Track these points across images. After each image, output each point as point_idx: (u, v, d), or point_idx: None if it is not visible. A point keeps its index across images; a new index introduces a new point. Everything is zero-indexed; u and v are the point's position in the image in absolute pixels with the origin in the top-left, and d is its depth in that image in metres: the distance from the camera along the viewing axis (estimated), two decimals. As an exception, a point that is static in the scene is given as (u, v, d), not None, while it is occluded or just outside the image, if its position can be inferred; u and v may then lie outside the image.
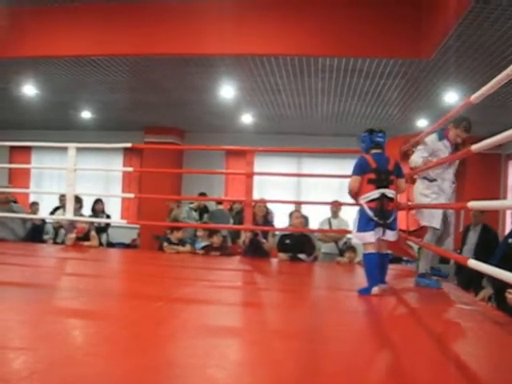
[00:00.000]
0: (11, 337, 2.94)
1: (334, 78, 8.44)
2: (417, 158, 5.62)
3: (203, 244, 7.79)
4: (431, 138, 5.56)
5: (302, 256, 7.11)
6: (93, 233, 8.01)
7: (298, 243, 7.20)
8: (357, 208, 5.03)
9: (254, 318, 3.75)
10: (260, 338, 3.12)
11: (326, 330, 3.43)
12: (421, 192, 5.62)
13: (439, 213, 5.40)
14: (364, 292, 4.75)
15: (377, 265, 4.80)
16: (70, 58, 8.11)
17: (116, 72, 8.72)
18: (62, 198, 8.46)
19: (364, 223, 4.79)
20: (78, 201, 8.10)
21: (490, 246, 6.90)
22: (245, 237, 7.45)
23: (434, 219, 5.38)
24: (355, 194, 4.96)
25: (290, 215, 7.55)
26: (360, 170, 4.91)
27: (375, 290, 4.71)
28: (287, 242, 7.23)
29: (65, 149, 7.63)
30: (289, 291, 5.11)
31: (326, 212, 8.47)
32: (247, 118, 12.06)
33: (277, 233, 7.93)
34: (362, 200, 4.83)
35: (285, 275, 6.41)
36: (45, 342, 2.83)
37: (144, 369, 2.41)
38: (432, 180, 5.55)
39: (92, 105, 11.76)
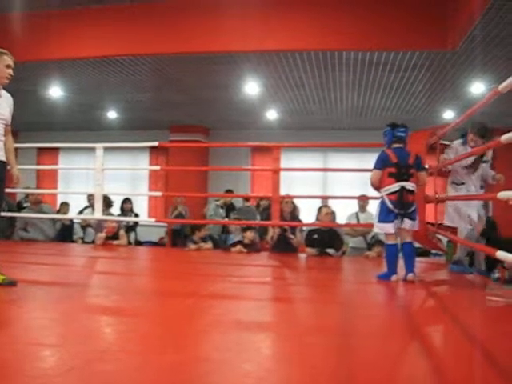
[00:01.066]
0: (47, 334, 2.99)
1: (359, 71, 8.40)
2: (442, 159, 6.04)
3: (236, 239, 7.79)
4: (456, 143, 5.85)
5: (330, 251, 7.10)
6: (122, 232, 8.09)
7: (327, 238, 7.19)
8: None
9: (285, 313, 3.76)
10: (291, 332, 3.12)
11: (356, 323, 3.43)
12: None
13: (466, 214, 5.72)
14: (383, 277, 5.10)
15: (396, 255, 5.11)
16: (95, 59, 8.19)
17: (140, 71, 8.78)
18: (91, 197, 8.55)
19: (384, 214, 5.04)
20: (108, 202, 8.19)
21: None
22: (273, 233, 7.45)
23: (462, 221, 5.74)
24: (377, 187, 5.17)
25: (319, 210, 7.53)
26: (381, 164, 5.11)
27: (394, 277, 5.05)
28: (315, 236, 7.22)
29: (91, 149, 7.72)
30: (318, 286, 5.11)
31: (353, 206, 8.43)
32: (272, 114, 12.06)
33: (304, 228, 7.91)
34: (383, 192, 5.05)
35: (314, 270, 6.41)
36: (79, 338, 2.86)
37: (178, 364, 2.43)
38: (460, 184, 5.86)
39: (117, 105, 11.86)
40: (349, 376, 2.34)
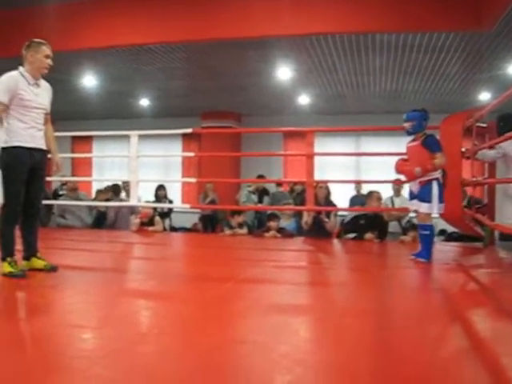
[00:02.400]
0: (88, 317, 3.05)
1: (392, 54, 8.30)
2: (489, 153, 6.18)
3: (285, 224, 7.82)
4: (507, 143, 5.71)
5: (367, 235, 7.06)
6: (157, 218, 8.18)
7: (372, 223, 7.14)
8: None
9: (321, 296, 3.77)
10: (328, 315, 3.13)
11: (394, 306, 3.43)
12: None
13: None
14: (421, 257, 5.13)
15: None
16: (127, 48, 8.25)
17: (173, 59, 8.82)
18: (125, 184, 8.66)
19: (442, 196, 5.07)
20: (116, 190, 8.30)
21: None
22: (307, 218, 7.44)
23: None
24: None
25: (369, 195, 7.46)
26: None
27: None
28: (362, 222, 7.17)
29: (124, 137, 7.80)
30: (355, 270, 5.11)
31: (387, 191, 8.37)
32: (303, 99, 12.01)
33: (339, 213, 7.90)
34: (438, 174, 5.06)
35: (350, 254, 6.41)
36: (120, 322, 2.92)
37: (217, 346, 2.46)
38: None
39: (150, 92, 11.94)
40: (387, 358, 2.34)
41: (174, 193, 13.25)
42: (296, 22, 7.28)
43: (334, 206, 7.66)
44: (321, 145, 11.31)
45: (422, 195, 5.10)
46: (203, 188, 11.32)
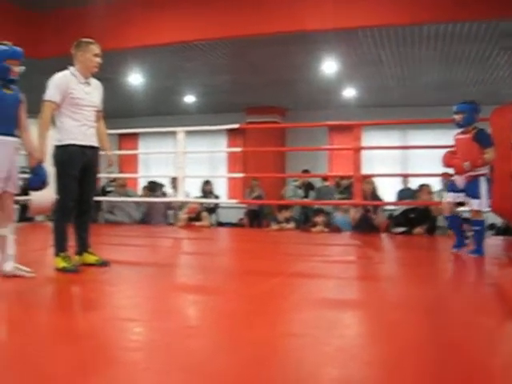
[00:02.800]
0: (140, 311, 3.09)
1: (440, 44, 8.15)
2: None
3: (339, 217, 7.80)
4: None
5: (416, 230, 6.96)
6: (204, 213, 8.23)
7: (422, 218, 7.04)
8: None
9: (372, 291, 3.72)
10: (381, 310, 3.09)
11: (447, 301, 3.36)
12: None
13: None
14: (478, 253, 5.00)
15: None
16: (173, 45, 8.31)
17: (217, 55, 8.85)
18: (173, 180, 8.75)
19: (489, 191, 5.01)
20: (152, 187, 8.37)
21: None
22: (354, 212, 7.38)
23: None
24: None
25: (420, 189, 7.37)
26: None
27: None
28: (412, 215, 7.08)
29: (170, 133, 7.86)
30: (405, 264, 5.05)
31: (435, 185, 8.23)
32: (349, 92, 11.91)
33: (388, 207, 7.81)
34: (487, 170, 5.00)
35: (399, 249, 6.33)
36: (171, 315, 2.95)
37: (269, 339, 2.47)
38: None
39: (195, 89, 12.02)
40: (443, 354, 2.30)
41: (220, 188, 13.31)
42: (341, 15, 7.20)
43: (381, 200, 7.57)
44: (366, 138, 11.22)
45: (471, 191, 4.99)
46: (249, 183, 11.33)
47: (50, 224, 7.91)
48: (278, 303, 3.28)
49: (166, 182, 9.65)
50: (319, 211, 7.66)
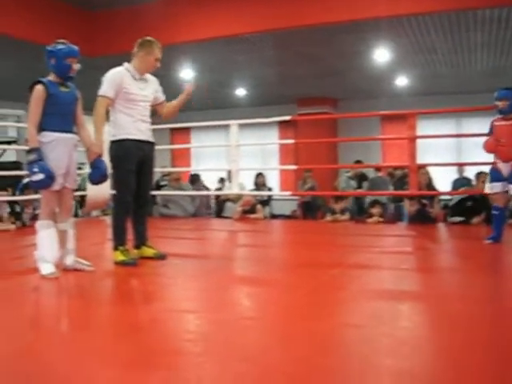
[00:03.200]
0: (198, 303, 3.15)
1: (494, 29, 7.95)
2: None
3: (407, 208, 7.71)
4: None
5: (474, 220, 6.81)
6: (259, 206, 8.26)
7: (479, 206, 6.88)
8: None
9: (431, 283, 3.66)
10: (441, 301, 3.03)
11: (507, 292, 3.28)
12: None
13: None
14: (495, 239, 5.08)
15: None
16: (223, 38, 8.33)
17: (267, 47, 8.84)
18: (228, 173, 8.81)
19: None
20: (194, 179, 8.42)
21: None
22: (410, 205, 7.26)
23: None
24: None
25: (477, 177, 7.22)
26: None
27: None
28: (469, 204, 6.93)
29: (221, 127, 7.88)
30: (463, 256, 4.95)
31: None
32: (401, 81, 11.73)
33: (443, 197, 7.66)
34: None
35: (456, 240, 6.20)
36: (229, 307, 3.00)
37: (329, 331, 2.47)
38: None
39: (245, 82, 12.03)
40: (504, 344, 2.25)
41: (272, 180, 13.31)
42: (394, 2, 7.08)
43: (437, 191, 7.43)
44: (419, 127, 11.00)
45: None
46: (301, 175, 11.29)
47: (107, 219, 8.15)
48: (337, 294, 3.27)
49: (215, 176, 9.71)
50: (375, 202, 7.57)
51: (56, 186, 3.74)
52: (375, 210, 7.37)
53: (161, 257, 4.42)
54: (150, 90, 4.46)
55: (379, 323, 2.57)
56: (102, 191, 7.92)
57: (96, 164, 4.01)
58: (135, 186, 4.32)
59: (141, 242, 4.49)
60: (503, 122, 5.03)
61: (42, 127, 3.72)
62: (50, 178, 3.63)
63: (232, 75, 11.29)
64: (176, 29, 8.30)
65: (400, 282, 3.63)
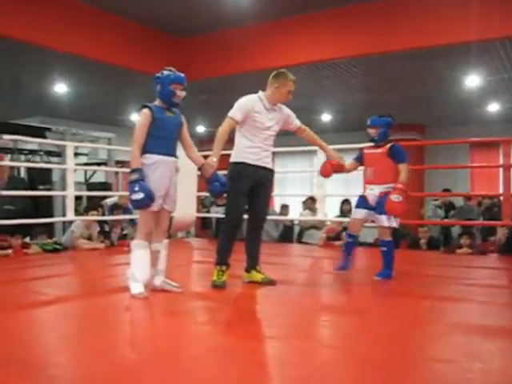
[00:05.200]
0: (281, 329, 3.09)
1: None
2: None
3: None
4: None
5: None
6: (344, 233, 8.14)
7: None
8: None
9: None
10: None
11: None
12: None
13: None
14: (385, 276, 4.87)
15: None
16: (308, 64, 8.36)
17: (354, 72, 8.82)
18: (308, 200, 8.75)
19: None
20: None
21: None
22: (501, 234, 6.97)
23: None
24: None
25: None
26: None
27: None
28: None
29: (305, 152, 7.81)
30: None
31: None
32: (493, 107, 11.37)
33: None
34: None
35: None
36: (321, 335, 3.00)
37: (417, 366, 2.41)
38: None
39: (331, 107, 12.00)
40: None
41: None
42: (487, 25, 6.88)
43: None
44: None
45: (382, 208, 4.72)
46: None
47: (191, 240, 8.26)
48: (427, 327, 3.16)
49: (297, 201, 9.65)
50: (465, 233, 7.31)
51: (155, 207, 3.82)
52: (466, 241, 7.12)
53: (269, 282, 4.45)
54: (280, 119, 4.52)
55: (472, 359, 2.47)
56: (188, 213, 8.05)
57: (214, 178, 4.08)
58: (244, 209, 4.40)
59: (251, 265, 4.54)
60: (372, 150, 4.97)
61: (145, 149, 3.83)
62: (149, 197, 3.70)
63: (318, 100, 11.30)
64: (266, 54, 8.43)
65: (494, 316, 3.48)
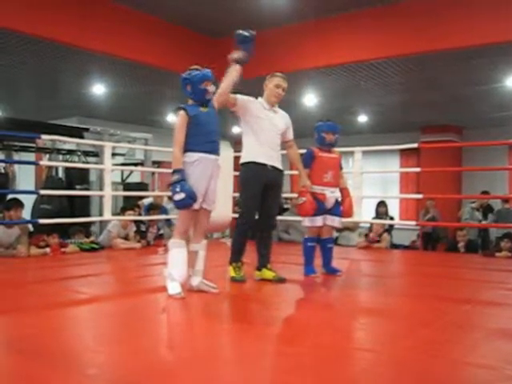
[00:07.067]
0: (309, 329, 3.09)
1: None
2: None
3: None
4: None
5: None
6: (385, 235, 8.12)
7: None
8: None
9: None
10: None
11: None
12: None
13: None
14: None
15: None
16: (347, 65, 8.30)
17: (392, 73, 8.70)
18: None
19: None
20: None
21: None
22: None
23: None
24: None
25: None
26: None
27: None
28: None
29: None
30: None
31: None
32: (534, 108, 11.13)
33: None
34: None
35: None
36: (351, 337, 2.99)
37: (457, 372, 2.39)
38: None
39: (368, 108, 11.90)
40: None
41: (393, 209, 13.00)
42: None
43: None
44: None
45: (338, 210, 5.06)
46: (423, 204, 10.95)
47: (226, 241, 8.27)
48: (469, 332, 3.11)
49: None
50: (506, 235, 7.18)
51: (195, 206, 3.82)
52: (505, 244, 6.98)
53: (280, 280, 4.53)
54: (281, 121, 4.67)
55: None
56: (224, 214, 8.05)
57: None
58: (260, 209, 4.50)
59: (262, 264, 4.63)
60: (326, 154, 5.01)
61: (186, 148, 3.84)
62: (191, 197, 3.71)
63: (355, 101, 11.22)
64: (300, 55, 8.39)
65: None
